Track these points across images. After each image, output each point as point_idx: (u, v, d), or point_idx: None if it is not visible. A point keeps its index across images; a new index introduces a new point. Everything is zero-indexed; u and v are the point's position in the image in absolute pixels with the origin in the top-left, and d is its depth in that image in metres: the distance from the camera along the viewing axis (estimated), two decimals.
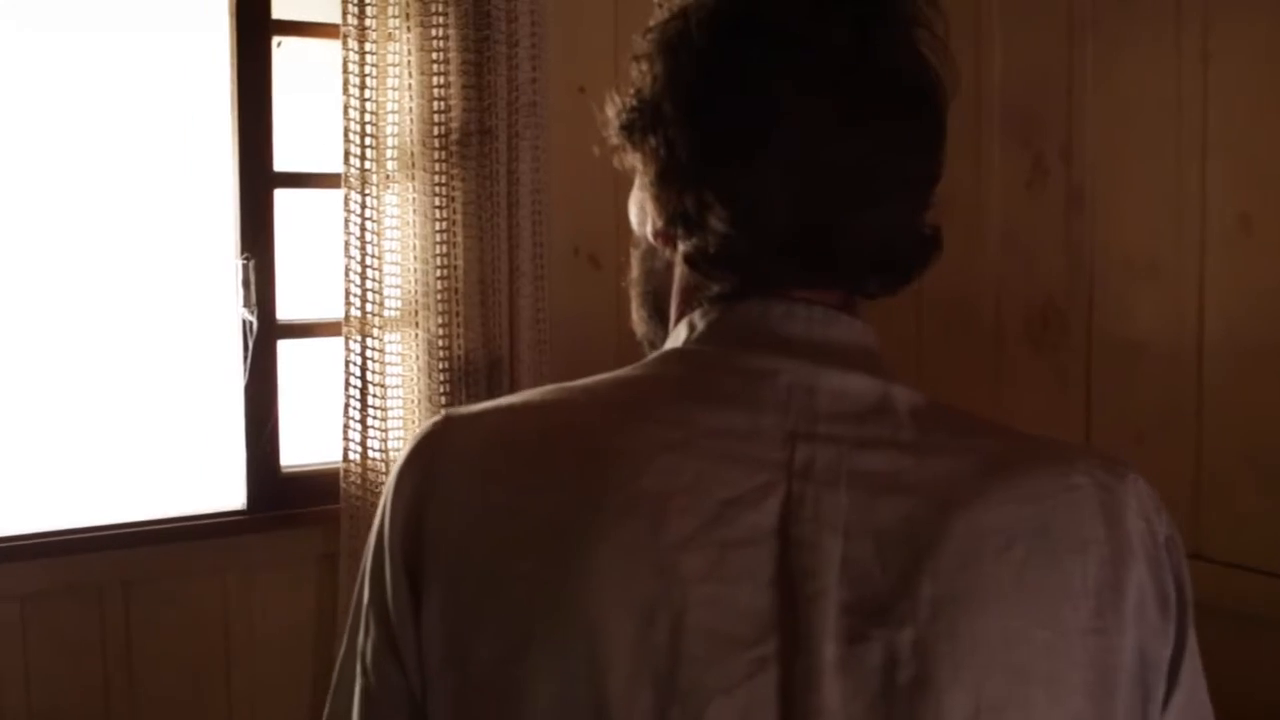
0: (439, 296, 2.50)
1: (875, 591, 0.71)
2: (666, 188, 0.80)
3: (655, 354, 0.85)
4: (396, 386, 2.55)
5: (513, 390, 2.54)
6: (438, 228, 2.50)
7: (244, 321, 2.51)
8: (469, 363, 2.53)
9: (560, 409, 0.80)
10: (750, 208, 0.77)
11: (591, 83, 2.61)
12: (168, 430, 2.73)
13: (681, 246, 0.81)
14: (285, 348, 2.60)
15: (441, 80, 2.48)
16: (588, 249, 2.75)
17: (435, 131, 2.48)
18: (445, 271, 2.50)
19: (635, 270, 0.93)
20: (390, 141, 2.49)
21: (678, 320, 0.85)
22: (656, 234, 0.84)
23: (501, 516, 0.75)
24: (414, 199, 2.50)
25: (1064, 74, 2.46)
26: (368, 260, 2.49)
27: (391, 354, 2.54)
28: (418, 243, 2.50)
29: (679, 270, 0.85)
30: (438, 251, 2.50)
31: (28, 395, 2.68)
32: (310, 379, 2.69)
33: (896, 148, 0.77)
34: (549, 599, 0.72)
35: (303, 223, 2.66)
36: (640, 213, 0.88)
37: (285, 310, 2.58)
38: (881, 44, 0.77)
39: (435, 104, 2.48)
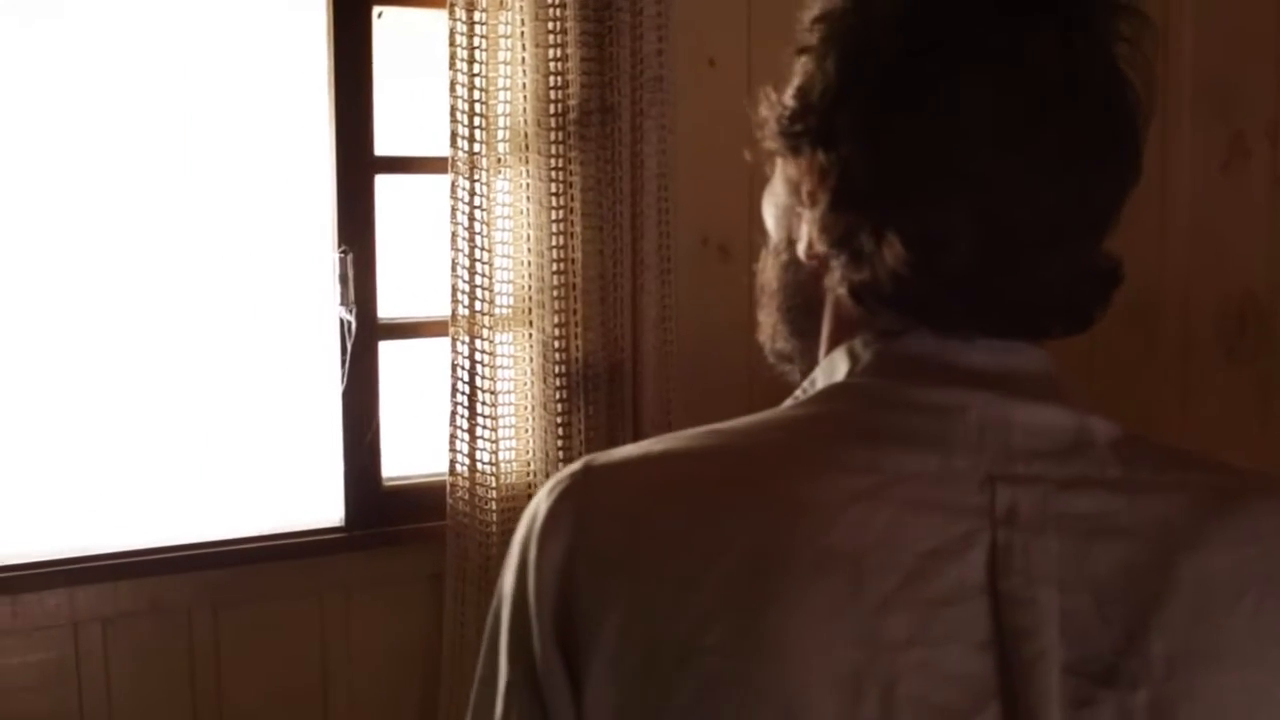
0: (555, 293, 2.37)
1: (1099, 649, 0.68)
2: (837, 214, 0.75)
3: (816, 390, 0.79)
4: (508, 392, 2.41)
5: (636, 398, 2.40)
6: (554, 216, 2.36)
7: (342, 321, 2.41)
8: (588, 366, 2.39)
9: (721, 457, 0.75)
10: (933, 249, 0.72)
11: (722, 55, 2.52)
12: (260, 441, 2.62)
13: (842, 273, 0.76)
14: (387, 349, 2.50)
15: (558, 53, 2.33)
16: (717, 239, 2.59)
17: (551, 110, 2.34)
18: (562, 265, 2.37)
19: (773, 281, 0.86)
20: (502, 121, 2.34)
21: (832, 347, 0.80)
22: (811, 255, 0.79)
23: (675, 584, 0.70)
24: (528, 185, 2.36)
25: (1271, 39, 2.24)
26: (477, 253, 2.35)
27: (503, 356, 2.40)
28: (532, 233, 2.36)
29: (835, 296, 0.80)
30: (554, 243, 2.36)
31: (111, 404, 2.56)
32: (414, 383, 2.59)
33: (1095, 189, 0.74)
34: (738, 676, 0.67)
35: (406, 212, 2.56)
36: (783, 219, 0.83)
37: (387, 308, 2.48)
38: (1089, 66, 0.72)
39: (551, 79, 2.33)
